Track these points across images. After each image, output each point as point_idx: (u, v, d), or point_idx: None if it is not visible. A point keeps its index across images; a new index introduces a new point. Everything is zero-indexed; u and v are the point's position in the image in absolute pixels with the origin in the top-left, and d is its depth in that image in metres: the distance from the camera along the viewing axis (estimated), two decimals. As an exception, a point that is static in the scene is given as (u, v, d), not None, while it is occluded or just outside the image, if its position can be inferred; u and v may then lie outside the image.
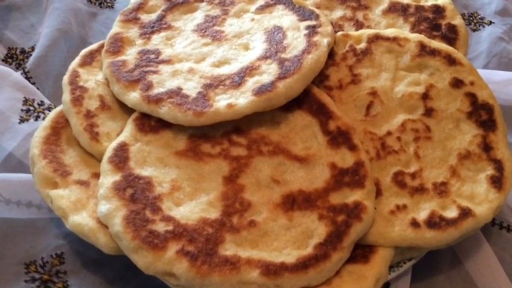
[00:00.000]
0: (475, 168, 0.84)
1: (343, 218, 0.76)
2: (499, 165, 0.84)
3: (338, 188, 0.79)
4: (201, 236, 0.72)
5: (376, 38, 0.95)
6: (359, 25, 1.01)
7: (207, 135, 0.83)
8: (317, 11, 0.96)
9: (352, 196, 0.78)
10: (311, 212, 0.76)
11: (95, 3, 1.22)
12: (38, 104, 1.00)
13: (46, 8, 1.17)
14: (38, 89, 1.03)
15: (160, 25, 0.97)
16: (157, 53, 0.91)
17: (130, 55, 0.91)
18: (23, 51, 1.11)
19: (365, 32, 0.96)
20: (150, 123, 0.84)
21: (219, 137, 0.83)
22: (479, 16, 1.31)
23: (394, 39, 0.94)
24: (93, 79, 0.91)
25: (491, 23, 1.29)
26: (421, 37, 0.94)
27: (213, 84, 0.85)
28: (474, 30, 1.29)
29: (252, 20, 0.96)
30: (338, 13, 1.04)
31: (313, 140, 0.83)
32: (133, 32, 0.96)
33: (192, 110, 0.81)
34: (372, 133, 0.87)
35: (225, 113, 0.80)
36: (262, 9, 0.98)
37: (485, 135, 0.86)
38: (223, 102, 0.81)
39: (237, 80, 0.84)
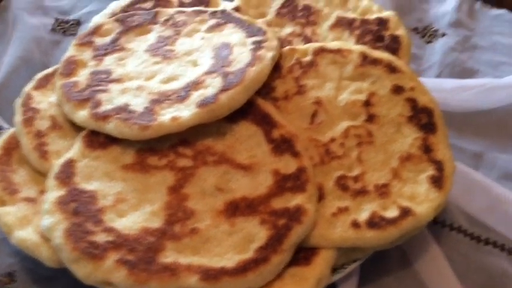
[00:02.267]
0: (416, 170, 0.86)
1: (284, 221, 0.77)
2: (439, 165, 0.86)
3: (280, 193, 0.81)
4: (141, 245, 0.74)
5: (321, 51, 0.98)
6: (307, 40, 1.05)
7: (155, 149, 0.86)
8: (265, 27, 1.00)
9: (294, 200, 0.80)
10: (253, 217, 0.78)
11: (58, 31, 1.27)
12: (-3, 128, 1.03)
13: (10, 38, 1.21)
14: (-2, 115, 1.07)
15: (113, 47, 1.01)
16: (109, 73, 0.95)
17: (82, 76, 0.95)
18: (-14, 80, 1.15)
19: (310, 46, 1.00)
20: (98, 140, 0.87)
21: (166, 150, 0.86)
22: (433, 29, 1.35)
23: (338, 51, 0.98)
24: (46, 101, 0.94)
25: (444, 34, 1.33)
26: (363, 48, 0.98)
27: (160, 100, 0.88)
28: (428, 42, 1.33)
29: (202, 38, 1.00)
30: (288, 30, 1.08)
31: (258, 149, 0.86)
32: (86, 54, 0.99)
33: (138, 124, 0.83)
34: (316, 140, 0.89)
35: (169, 125, 0.83)
36: (212, 28, 1.02)
37: (425, 137, 0.89)
38: (168, 115, 0.84)
39: (183, 95, 0.87)
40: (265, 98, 0.93)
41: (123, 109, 0.87)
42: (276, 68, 0.97)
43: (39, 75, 0.99)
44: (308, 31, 1.07)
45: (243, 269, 0.73)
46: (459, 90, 1.17)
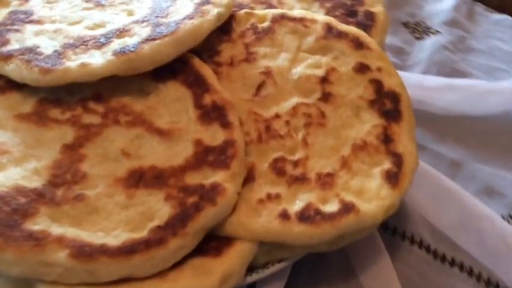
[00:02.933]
0: (370, 162, 0.71)
1: (194, 200, 0.63)
2: (398, 159, 0.71)
3: (198, 166, 0.66)
4: (8, 206, 0.59)
5: (281, 18, 0.85)
6: (271, 6, 0.91)
7: (61, 100, 0.72)
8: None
9: (213, 177, 0.65)
10: (159, 190, 0.64)
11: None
12: None
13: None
14: None
15: (45, -12, 0.87)
16: (30, 13, 0.81)
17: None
18: None
19: (270, 11, 0.86)
20: (-3, 83, 0.73)
21: (74, 103, 0.72)
22: (425, 25, 1.22)
23: (300, 20, 0.84)
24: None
25: (437, 32, 1.20)
26: (329, 19, 0.83)
27: (75, 44, 0.74)
28: (418, 39, 1.19)
29: (138, -13, 0.86)
30: (250, -5, 0.95)
31: (183, 114, 0.71)
32: (12, -7, 0.86)
33: (39, 67, 0.69)
34: (257, 114, 0.75)
35: (76, 72, 0.69)
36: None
37: (387, 126, 0.74)
38: (78, 61, 0.70)
39: (102, 41, 0.73)
40: (206, 61, 0.79)
41: (30, 50, 0.73)
42: (226, 31, 0.83)
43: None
44: (274, 1, 0.94)
45: (129, 250, 0.58)
46: (446, 90, 1.02)
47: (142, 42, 0.71)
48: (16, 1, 0.84)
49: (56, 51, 0.72)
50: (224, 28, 0.83)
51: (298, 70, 0.79)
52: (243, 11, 0.86)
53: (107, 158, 0.67)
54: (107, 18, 0.80)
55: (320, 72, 0.78)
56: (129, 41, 0.72)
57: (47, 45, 0.74)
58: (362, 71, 0.78)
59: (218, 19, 0.79)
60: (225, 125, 0.70)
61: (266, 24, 0.84)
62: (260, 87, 0.78)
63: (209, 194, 0.63)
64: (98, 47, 0.73)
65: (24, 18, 0.80)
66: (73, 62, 0.70)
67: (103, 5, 0.83)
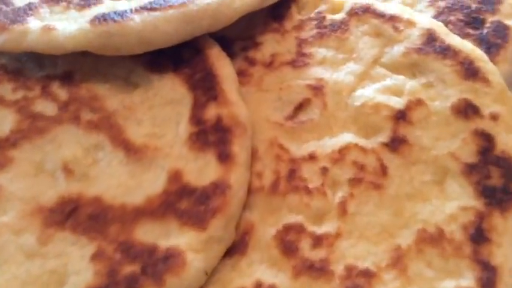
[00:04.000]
0: (441, 267, 0.43)
1: (132, 270, 0.40)
2: (489, 275, 0.42)
3: (161, 215, 0.43)
4: None
5: (363, 11, 0.57)
6: (357, -6, 0.64)
7: (21, 72, 0.52)
8: None
9: (176, 237, 0.42)
10: (89, 240, 0.42)
11: None
12: None
13: None
14: None
15: None
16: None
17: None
18: None
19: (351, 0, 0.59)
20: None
21: (35, 80, 0.51)
22: None
23: (391, 19, 0.56)
24: None
25: None
26: (435, 25, 0.55)
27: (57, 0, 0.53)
28: None
29: None
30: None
31: (171, 127, 0.48)
32: None
33: (-4, 22, 0.50)
34: (284, 148, 0.50)
35: (35, 38, 0.48)
36: None
37: (485, 213, 0.45)
38: (43, 23, 0.49)
39: (85, 1, 0.52)
40: (236, 54, 0.55)
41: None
42: (278, 15, 0.58)
43: None
44: (366, -16, 0.66)
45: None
46: None
47: (134, 10, 0.49)
48: None
49: (29, 3, 0.52)
50: (276, 11, 0.58)
51: (366, 93, 0.52)
52: (312, -8, 0.60)
53: (39, 171, 0.46)
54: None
55: (398, 102, 0.51)
56: (119, 6, 0.50)
57: (24, -3, 0.54)
58: (466, 114, 0.49)
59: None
60: (224, 157, 0.46)
61: (340, 15, 0.58)
62: (301, 107, 0.52)
63: (158, 265, 0.40)
64: (80, 7, 0.51)
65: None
66: (37, 23, 0.49)
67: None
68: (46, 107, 0.49)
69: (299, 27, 0.58)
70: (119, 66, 0.51)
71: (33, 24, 0.49)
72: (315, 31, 0.57)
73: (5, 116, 0.49)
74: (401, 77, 0.53)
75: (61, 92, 0.50)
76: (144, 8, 0.49)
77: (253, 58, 0.55)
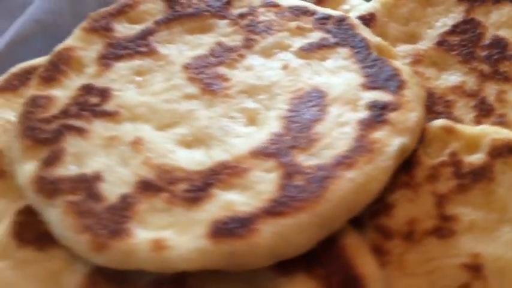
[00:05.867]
0: None
1: None
2: None
3: None
4: None
5: (508, 150, 0.48)
6: (484, 110, 0.55)
7: (124, 279, 0.44)
8: (406, 72, 0.52)
9: None
10: None
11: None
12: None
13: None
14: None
15: (138, 46, 0.58)
16: (107, 95, 0.54)
17: (67, 89, 0.55)
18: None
19: (489, 133, 0.49)
20: (38, 228, 0.47)
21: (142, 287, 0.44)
22: None
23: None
24: (3, 118, 0.56)
25: None
26: None
27: (154, 187, 0.45)
28: None
29: (285, 67, 0.54)
30: (452, 78, 0.58)
31: None
32: (93, 50, 0.59)
33: (92, 235, 0.42)
34: None
35: (145, 258, 0.40)
36: (311, 49, 0.56)
37: None
38: (150, 233, 0.42)
39: (195, 192, 0.43)
40: (365, 224, 0.46)
41: (87, 186, 0.45)
42: (406, 163, 0.49)
43: (18, 67, 0.61)
44: (490, 91, 0.56)
45: None
46: None
47: (258, 215, 0.40)
48: (94, 66, 0.57)
49: (123, 197, 0.44)
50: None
51: (533, 272, 0.43)
52: (437, 124, 0.51)
53: None
54: (215, 128, 0.49)
55: None
56: (239, 204, 0.42)
57: (115, 179, 0.46)
58: None
59: (398, 160, 0.45)
60: None
61: (479, 157, 0.48)
62: (461, 295, 0.44)
63: None
64: (188, 203, 0.43)
65: (96, 104, 0.53)
66: (143, 234, 0.41)
67: (214, 93, 0.53)
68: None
69: (433, 177, 0.48)
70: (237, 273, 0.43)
71: (140, 238, 0.41)
72: (453, 183, 0.48)
73: None
74: None
75: (175, 304, 0.43)
76: (270, 213, 0.40)
77: (387, 228, 0.47)
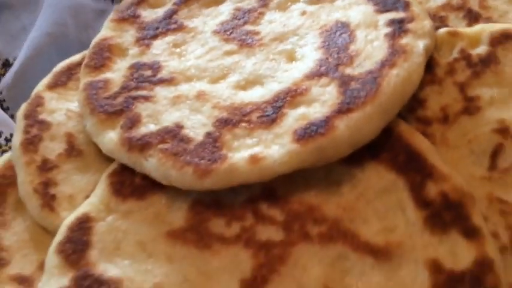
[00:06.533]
0: None
1: None
2: None
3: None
4: None
5: (505, 38, 0.58)
6: (472, 17, 0.65)
7: (221, 203, 0.51)
8: (406, -6, 0.61)
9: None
10: None
11: (104, -3, 0.94)
12: (6, 140, 0.73)
13: (40, 5, 0.90)
14: (12, 116, 0.76)
15: (168, 25, 0.66)
16: (157, 67, 0.61)
17: (118, 71, 0.61)
18: (6, 63, 0.85)
19: (486, 29, 0.60)
20: (133, 182, 0.53)
21: (239, 207, 0.51)
22: None
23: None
24: (64, 108, 0.62)
25: None
26: None
27: (232, 121, 0.52)
28: None
29: (303, 13, 0.63)
30: (439, -1, 0.68)
31: (399, 216, 0.49)
32: (128, 36, 0.65)
33: (193, 166, 0.49)
34: (504, 201, 0.51)
35: (246, 172, 0.48)
36: (320, -4, 0.65)
37: None
38: (243, 152, 0.49)
39: (270, 114, 0.51)
40: (408, 119, 0.55)
41: (173, 134, 0.52)
42: (427, 66, 0.58)
43: (60, 65, 0.67)
44: (473, 2, 0.67)
45: None
46: None
47: (332, 116, 0.48)
48: (135, 47, 0.64)
49: (209, 134, 0.51)
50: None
51: (552, 121, 0.53)
52: (443, 31, 0.60)
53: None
54: (262, 69, 0.57)
55: None
56: (312, 114, 0.50)
57: (194, 124, 0.53)
58: None
59: (426, 57, 0.54)
60: (469, 233, 0.47)
61: (483, 48, 0.58)
62: (496, 154, 0.53)
63: None
64: (265, 124, 0.51)
65: (151, 76, 0.60)
66: (238, 154, 0.49)
67: (250, 45, 0.61)
68: (270, 232, 0.49)
69: (451, 71, 0.58)
70: (317, 169, 0.51)
71: (237, 157, 0.48)
72: (468, 72, 0.58)
73: (238, 254, 0.48)
74: None
75: (274, 212, 0.50)
76: (341, 111, 0.49)
77: (425, 117, 0.56)
